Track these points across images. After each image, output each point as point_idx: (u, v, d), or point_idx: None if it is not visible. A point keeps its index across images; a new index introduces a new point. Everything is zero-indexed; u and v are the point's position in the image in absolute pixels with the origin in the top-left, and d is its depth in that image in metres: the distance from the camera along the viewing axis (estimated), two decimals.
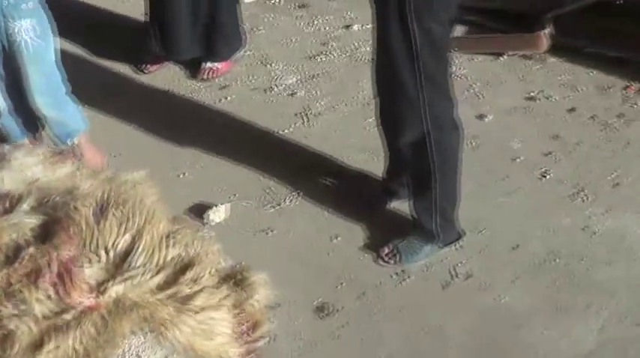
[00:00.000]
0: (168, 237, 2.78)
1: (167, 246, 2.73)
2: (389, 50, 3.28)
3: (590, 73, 4.56)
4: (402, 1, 3.14)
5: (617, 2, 4.79)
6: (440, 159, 3.39)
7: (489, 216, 3.77)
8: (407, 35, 3.18)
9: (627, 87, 4.44)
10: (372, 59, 3.51)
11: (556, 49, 4.66)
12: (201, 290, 2.73)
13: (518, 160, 4.05)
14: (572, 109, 4.34)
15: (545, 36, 4.62)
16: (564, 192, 3.88)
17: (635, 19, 4.68)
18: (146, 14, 4.90)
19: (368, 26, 4.55)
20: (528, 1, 4.85)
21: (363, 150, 4.11)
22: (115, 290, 2.53)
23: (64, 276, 2.43)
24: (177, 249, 2.79)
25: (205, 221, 3.78)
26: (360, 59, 4.77)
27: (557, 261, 3.56)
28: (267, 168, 4.08)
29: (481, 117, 4.32)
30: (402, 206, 3.76)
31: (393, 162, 3.70)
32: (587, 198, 3.84)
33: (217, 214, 3.81)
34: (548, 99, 4.41)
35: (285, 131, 4.32)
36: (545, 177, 3.96)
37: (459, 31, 4.88)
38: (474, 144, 4.15)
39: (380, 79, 3.47)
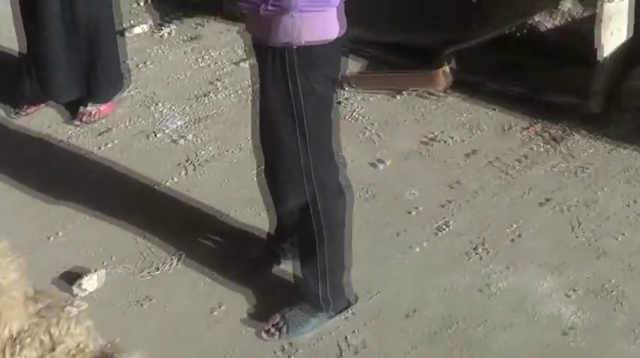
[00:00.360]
0: (15, 340, 2.51)
1: (12, 354, 2.46)
2: (271, 111, 3.05)
3: (491, 112, 4.36)
4: (283, 59, 2.91)
5: (518, 34, 4.60)
6: (327, 225, 3.15)
7: (384, 276, 3.54)
8: (289, 95, 2.95)
9: (528, 127, 4.25)
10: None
11: (456, 86, 4.45)
12: None
13: (414, 212, 3.82)
14: (472, 153, 4.13)
15: (445, 73, 4.41)
16: (462, 247, 3.66)
17: (539, 53, 4.49)
18: (22, 51, 4.57)
19: None
20: (429, 35, 4.64)
21: (251, 203, 3.84)
22: None
23: None
24: (26, 353, 2.51)
25: (76, 291, 3.47)
26: (250, 99, 4.49)
27: (455, 326, 3.34)
28: (147, 226, 3.80)
29: (377, 162, 4.08)
30: (290, 268, 3.50)
31: (280, 222, 3.46)
32: (487, 253, 3.63)
33: (90, 282, 3.52)
34: (446, 142, 4.19)
35: (168, 183, 4.04)
36: (442, 230, 3.74)
37: (356, 66, 4.65)
38: (368, 193, 3.91)
39: (263, 139, 3.24)
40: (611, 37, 4.29)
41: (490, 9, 4.67)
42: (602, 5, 4.11)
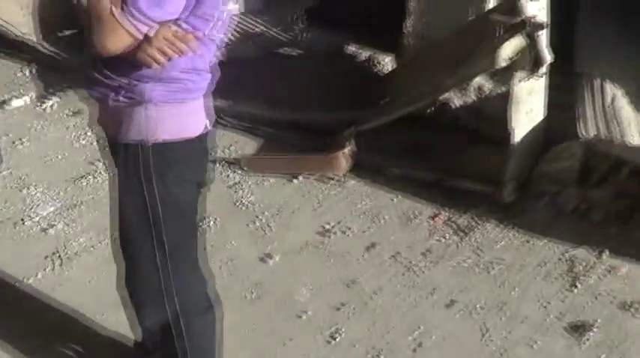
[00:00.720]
0: None
1: None
2: (126, 215, 2.61)
3: (394, 199, 3.97)
4: (137, 158, 2.48)
5: (427, 112, 4.25)
6: (192, 347, 2.73)
7: None
8: (144, 200, 2.51)
9: (435, 216, 3.88)
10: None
11: (357, 170, 4.07)
12: None
13: (305, 316, 3.41)
14: (372, 246, 3.74)
15: (344, 156, 4.04)
16: None
17: (448, 133, 4.14)
18: None
19: None
20: (330, 114, 4.27)
21: (123, 305, 3.37)
22: None
23: None
24: None
25: None
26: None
27: None
28: (2, 333, 3.32)
29: (266, 257, 3.67)
30: None
31: (143, 338, 3.01)
32: None
33: None
34: (345, 233, 3.80)
35: (32, 279, 3.58)
36: (335, 338, 3.33)
37: (249, 146, 4.26)
38: (254, 294, 3.50)
39: (122, 241, 2.78)
40: (526, 118, 3.97)
41: (397, 86, 4.34)
42: (514, 84, 3.77)
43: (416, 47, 4.47)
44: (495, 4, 4.33)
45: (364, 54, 4.65)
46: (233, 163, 4.12)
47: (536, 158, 4.04)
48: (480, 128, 4.17)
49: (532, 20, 3.68)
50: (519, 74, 3.74)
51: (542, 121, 4.05)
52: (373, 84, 4.47)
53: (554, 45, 3.79)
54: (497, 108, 4.05)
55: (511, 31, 3.71)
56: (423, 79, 4.07)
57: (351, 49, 4.69)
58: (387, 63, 4.62)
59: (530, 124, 3.96)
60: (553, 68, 3.87)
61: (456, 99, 4.29)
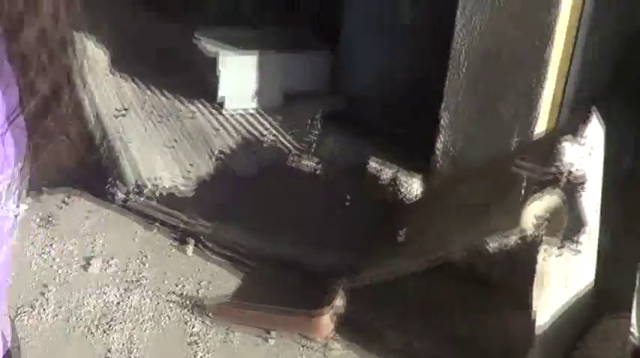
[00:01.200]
0: None
1: None
2: None
3: None
4: None
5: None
6: None
7: None
8: None
9: None
10: None
11: (347, 332, 3.27)
12: None
13: None
14: None
15: (330, 316, 3.24)
16: None
17: (471, 289, 3.31)
18: None
19: None
20: (327, 254, 3.50)
21: None
22: None
23: None
24: None
25: None
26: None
27: None
28: None
29: None
30: None
31: None
32: None
33: None
34: None
35: None
36: None
37: (228, 285, 3.52)
38: None
39: None
40: (559, 292, 3.10)
41: (414, 224, 3.52)
42: (540, 257, 2.90)
43: (447, 173, 3.65)
44: (545, 127, 3.50)
45: (387, 173, 3.86)
46: (199, 307, 3.39)
47: (576, 337, 3.16)
48: (515, 286, 3.31)
49: (570, 174, 2.82)
50: (547, 245, 2.86)
51: (585, 291, 3.16)
52: (393, 214, 3.68)
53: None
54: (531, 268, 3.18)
55: (541, 186, 2.85)
56: (434, 227, 3.24)
57: (373, 165, 3.90)
58: (413, 186, 3.81)
59: (566, 297, 3.08)
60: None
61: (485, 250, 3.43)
